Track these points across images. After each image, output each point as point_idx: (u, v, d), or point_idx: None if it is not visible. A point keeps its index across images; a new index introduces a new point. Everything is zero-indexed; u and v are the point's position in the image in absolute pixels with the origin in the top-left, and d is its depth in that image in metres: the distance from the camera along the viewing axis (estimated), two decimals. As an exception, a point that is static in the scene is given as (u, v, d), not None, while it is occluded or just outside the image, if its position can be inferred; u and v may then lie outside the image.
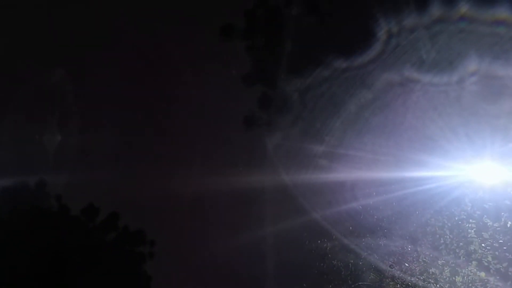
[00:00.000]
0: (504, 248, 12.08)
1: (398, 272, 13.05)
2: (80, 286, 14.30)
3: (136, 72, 14.22)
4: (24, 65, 13.84)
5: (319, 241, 14.90)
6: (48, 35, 13.73)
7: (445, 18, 11.18)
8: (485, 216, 12.49)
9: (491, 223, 12.39)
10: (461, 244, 12.75)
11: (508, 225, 12.11)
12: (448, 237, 12.97)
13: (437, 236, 13.17)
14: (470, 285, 12.30)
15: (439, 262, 12.97)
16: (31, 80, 14.20)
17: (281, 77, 13.81)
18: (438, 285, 12.85)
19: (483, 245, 12.40)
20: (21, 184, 14.76)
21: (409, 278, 13.26)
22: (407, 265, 13.34)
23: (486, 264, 12.24)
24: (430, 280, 12.95)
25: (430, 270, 13.03)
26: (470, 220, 12.69)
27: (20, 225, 14.37)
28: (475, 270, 12.35)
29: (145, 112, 14.48)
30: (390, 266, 13.37)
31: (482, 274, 12.20)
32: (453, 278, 12.63)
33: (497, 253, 12.20)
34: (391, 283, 13.45)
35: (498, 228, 12.27)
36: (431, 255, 13.12)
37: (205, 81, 14.51)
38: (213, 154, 14.77)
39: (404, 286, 13.27)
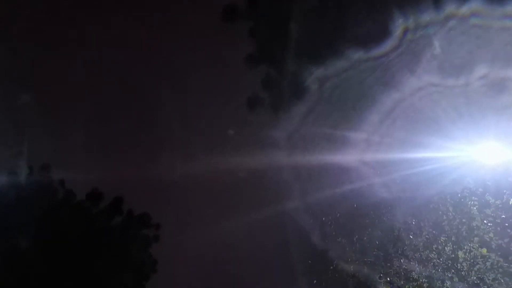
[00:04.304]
0: (506, 224, 12.41)
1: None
2: (87, 270, 14.37)
3: (138, 54, 13.80)
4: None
5: (323, 218, 15.20)
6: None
7: (458, 14, 11.10)
8: (487, 193, 12.77)
9: (493, 201, 12.68)
10: (463, 220, 13.06)
11: (510, 203, 12.38)
12: (451, 214, 13.27)
13: (440, 212, 13.45)
14: (472, 260, 12.68)
15: (442, 237, 13.32)
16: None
17: (285, 58, 13.57)
18: (440, 260, 13.25)
19: (485, 221, 12.72)
20: (25, 169, 14.50)
21: (412, 253, 13.65)
22: (411, 237, 13.66)
23: (488, 240, 12.59)
24: (433, 255, 13.33)
25: (433, 245, 13.40)
26: (473, 198, 12.96)
27: (25, 211, 14.21)
28: (477, 245, 12.71)
29: (148, 94, 14.16)
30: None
31: (484, 250, 12.57)
32: (456, 253, 13.00)
33: (499, 229, 12.54)
34: (395, 258, 13.84)
35: (500, 205, 12.56)
36: (434, 231, 13.45)
37: (208, 62, 14.18)
38: (217, 136, 14.65)
39: (408, 260, 13.66)
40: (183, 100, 14.04)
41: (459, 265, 12.89)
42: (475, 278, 12.60)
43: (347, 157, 13.29)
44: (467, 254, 12.80)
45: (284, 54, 13.32)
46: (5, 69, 12.75)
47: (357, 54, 11.99)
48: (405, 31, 11.69)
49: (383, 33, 11.56)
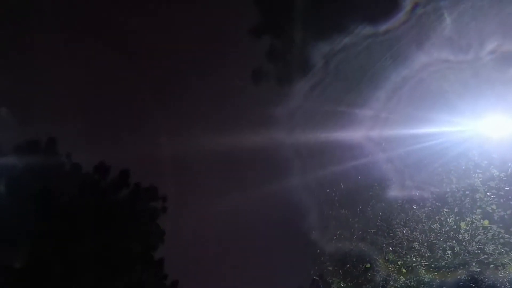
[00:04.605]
0: (509, 196, 12.49)
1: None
2: (95, 242, 14.66)
3: (139, 26, 13.49)
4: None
5: (327, 190, 15.32)
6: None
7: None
8: (492, 166, 12.78)
9: (497, 173, 12.73)
10: (467, 192, 13.13)
11: (515, 175, 12.39)
12: (454, 186, 13.32)
13: (444, 184, 13.50)
14: (473, 231, 12.85)
15: (445, 209, 13.43)
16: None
17: (290, 29, 13.23)
18: (443, 230, 13.43)
19: (488, 193, 12.79)
20: (32, 142, 14.57)
21: (415, 224, 13.82)
22: (414, 207, 13.77)
23: (490, 211, 12.71)
24: (435, 225, 13.49)
25: (436, 216, 13.54)
26: (477, 170, 12.99)
27: (34, 185, 14.38)
28: (479, 217, 12.84)
29: (152, 68, 13.97)
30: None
31: (486, 221, 12.71)
32: (458, 224, 13.14)
33: (502, 200, 12.65)
34: (398, 229, 14.04)
35: (504, 178, 12.61)
36: (437, 203, 13.55)
37: (211, 33, 13.87)
38: (221, 109, 14.56)
39: (410, 230, 13.85)
40: (186, 74, 13.85)
41: (460, 235, 13.06)
42: (476, 248, 12.79)
43: (353, 133, 13.24)
44: (469, 225, 12.94)
45: (290, 25, 12.98)
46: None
47: (365, 29, 11.67)
48: (415, 5, 11.32)
49: (392, 7, 11.19)
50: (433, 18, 11.19)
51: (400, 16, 11.51)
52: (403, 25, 11.49)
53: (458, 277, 12.67)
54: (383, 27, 11.77)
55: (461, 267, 12.77)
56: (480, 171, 12.89)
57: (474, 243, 12.82)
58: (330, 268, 15.13)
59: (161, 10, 13.57)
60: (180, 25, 13.76)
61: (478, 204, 12.90)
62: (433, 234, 13.50)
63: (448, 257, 13.14)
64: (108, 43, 13.49)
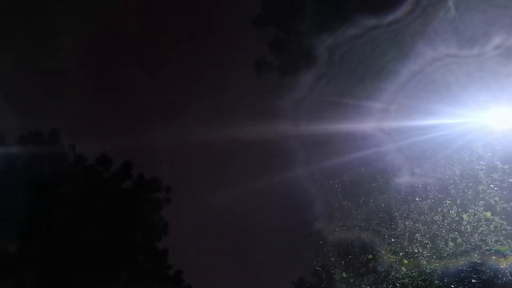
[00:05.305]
0: (512, 188, 12.49)
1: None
2: (99, 233, 14.75)
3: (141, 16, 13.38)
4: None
5: (330, 182, 15.33)
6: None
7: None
8: (495, 158, 12.77)
9: (501, 165, 12.73)
10: (470, 184, 13.13)
11: (519, 167, 12.36)
12: (457, 178, 13.32)
13: (447, 176, 13.49)
14: (476, 223, 12.87)
15: (447, 201, 13.43)
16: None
17: (294, 20, 13.11)
18: (445, 222, 13.45)
19: (491, 185, 12.80)
20: (35, 134, 14.59)
21: (417, 215, 13.84)
22: (417, 199, 13.78)
23: (493, 203, 12.72)
24: (437, 217, 13.51)
25: (438, 208, 13.55)
26: (480, 162, 12.99)
27: (38, 175, 14.42)
28: (481, 209, 12.85)
29: (155, 60, 13.88)
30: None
31: (488, 213, 12.73)
32: (460, 216, 13.16)
33: (505, 192, 12.67)
34: (400, 221, 14.07)
35: (508, 170, 12.62)
36: (440, 195, 13.55)
37: (213, 22, 13.76)
38: (225, 101, 14.53)
39: (413, 222, 13.89)
40: (189, 65, 13.78)
41: (462, 227, 13.08)
42: (478, 239, 12.82)
43: (357, 125, 13.21)
44: (471, 217, 12.95)
45: (294, 16, 12.85)
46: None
47: (370, 20, 11.54)
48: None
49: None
50: (438, 9, 11.06)
51: (405, 7, 11.38)
52: (408, 16, 11.36)
53: (460, 267, 12.69)
54: (387, 19, 11.65)
55: (463, 258, 12.80)
56: (484, 163, 12.89)
57: (476, 234, 12.84)
58: (332, 259, 15.19)
59: None
60: (182, 15, 13.65)
61: (481, 196, 12.92)
62: (435, 225, 13.49)
63: (450, 248, 13.17)
64: (110, 35, 13.41)
